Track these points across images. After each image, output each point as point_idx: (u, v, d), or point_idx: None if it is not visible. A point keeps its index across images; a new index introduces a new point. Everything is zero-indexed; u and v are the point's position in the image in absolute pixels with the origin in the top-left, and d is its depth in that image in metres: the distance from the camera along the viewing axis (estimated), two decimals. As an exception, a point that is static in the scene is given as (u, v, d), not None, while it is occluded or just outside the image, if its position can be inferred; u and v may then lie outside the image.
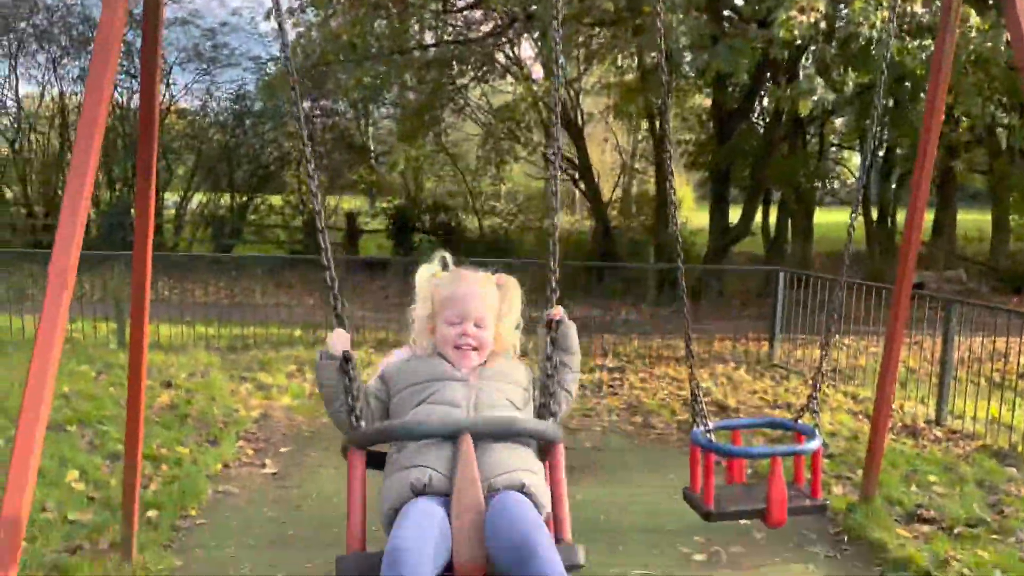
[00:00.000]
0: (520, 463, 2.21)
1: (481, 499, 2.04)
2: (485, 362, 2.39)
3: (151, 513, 4.62)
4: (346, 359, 2.31)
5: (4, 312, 9.94)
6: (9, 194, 19.85)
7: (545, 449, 2.35)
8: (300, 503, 4.99)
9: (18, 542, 2.42)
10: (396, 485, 2.15)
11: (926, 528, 4.65)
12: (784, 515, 3.40)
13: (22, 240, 18.33)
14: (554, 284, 2.61)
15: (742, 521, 4.74)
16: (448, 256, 2.55)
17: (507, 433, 2.21)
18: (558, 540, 2.18)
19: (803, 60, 11.87)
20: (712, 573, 4.20)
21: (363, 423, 2.27)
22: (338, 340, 2.35)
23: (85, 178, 2.59)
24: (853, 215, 3.86)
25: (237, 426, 6.35)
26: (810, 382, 3.78)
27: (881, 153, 18.67)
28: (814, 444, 3.51)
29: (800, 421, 3.81)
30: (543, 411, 2.41)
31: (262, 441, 6.15)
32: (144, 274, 3.94)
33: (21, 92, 19.75)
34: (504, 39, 14.54)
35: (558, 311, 2.54)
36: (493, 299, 2.43)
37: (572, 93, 17.91)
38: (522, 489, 2.15)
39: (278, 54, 20.35)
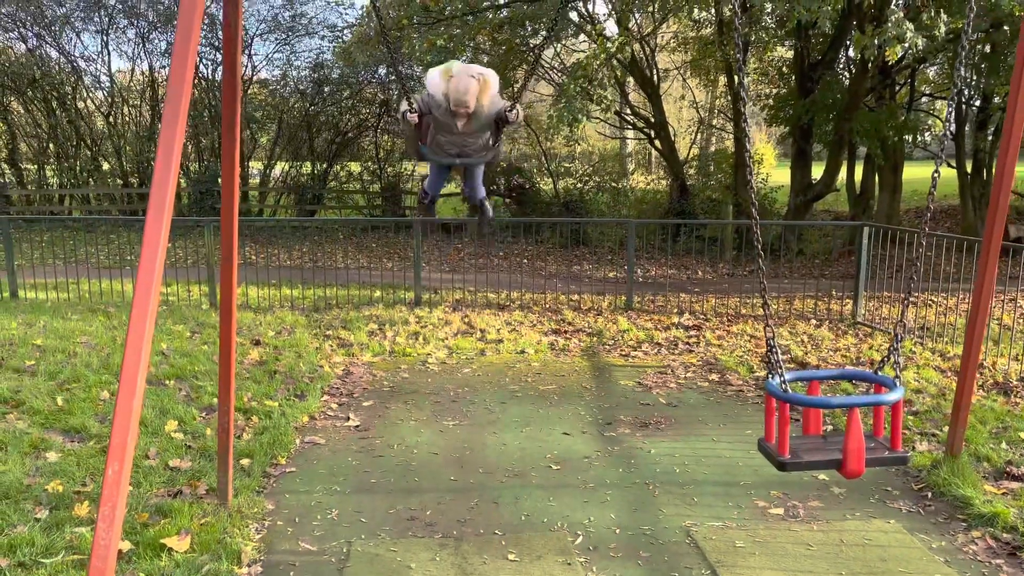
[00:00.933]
0: (478, 168, 4.83)
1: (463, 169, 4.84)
2: (473, 115, 4.32)
3: (244, 461, 4.88)
4: (416, 123, 4.42)
5: (105, 277, 10.52)
6: (106, 166, 20.81)
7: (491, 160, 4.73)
8: (382, 453, 5.19)
9: (125, 484, 2.58)
10: (431, 153, 4.54)
11: (1015, 485, 4.52)
12: (861, 466, 3.36)
13: (119, 209, 19.25)
14: (519, 102, 4.65)
15: (820, 476, 4.73)
16: (454, 65, 4.42)
17: (476, 164, 4.67)
18: (493, 159, 4.76)
19: (891, 4, 11.32)
20: (790, 526, 4.19)
21: (422, 140, 4.53)
22: (410, 118, 4.34)
23: (173, 149, 2.66)
24: (937, 166, 3.72)
25: (322, 381, 6.61)
26: (897, 332, 3.69)
27: (977, 103, 17.69)
28: (894, 395, 3.44)
29: (881, 373, 3.74)
30: (499, 128, 4.51)
31: (345, 396, 6.38)
32: (232, 236, 4.12)
33: (113, 67, 20.62)
34: (577, -4, 14.32)
35: (517, 111, 4.40)
36: (474, 93, 4.24)
37: (647, 49, 17.55)
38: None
39: (354, 21, 20.64)
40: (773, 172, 23.34)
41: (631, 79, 18.06)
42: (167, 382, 6.41)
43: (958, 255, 8.13)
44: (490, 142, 4.55)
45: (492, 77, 4.36)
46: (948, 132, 4.43)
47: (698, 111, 22.05)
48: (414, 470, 4.93)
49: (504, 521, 4.23)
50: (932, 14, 9.79)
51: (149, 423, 5.41)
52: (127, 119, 20.72)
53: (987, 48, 14.36)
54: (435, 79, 4.34)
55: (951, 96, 3.73)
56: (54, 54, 19.85)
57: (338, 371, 7.01)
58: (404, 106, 4.34)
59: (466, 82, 4.22)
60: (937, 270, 8.94)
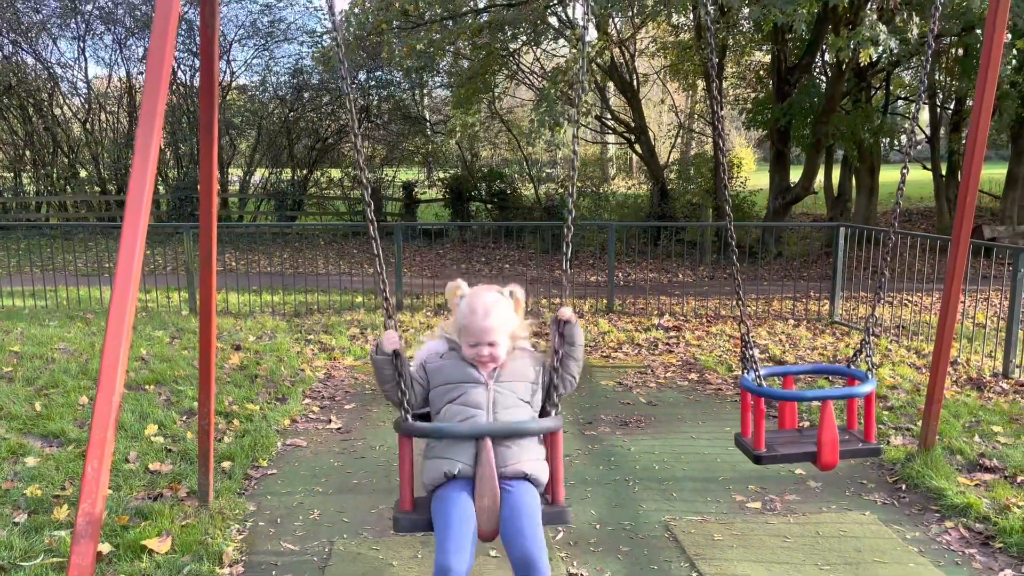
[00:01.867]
0: (525, 455, 2.79)
1: (497, 488, 2.69)
2: (503, 364, 2.86)
3: (225, 464, 4.87)
4: (396, 355, 2.80)
5: (84, 284, 10.45)
6: (83, 173, 20.64)
7: (547, 437, 2.89)
8: (364, 454, 5.20)
9: (104, 482, 2.58)
10: (433, 469, 2.82)
11: (987, 477, 4.60)
12: (835, 457, 3.42)
13: (97, 216, 19.10)
14: (565, 282, 3.10)
15: (797, 470, 4.79)
16: (463, 286, 3.02)
17: (516, 434, 2.77)
18: (554, 502, 2.84)
19: (866, 7, 11.50)
20: (767, 519, 4.24)
21: (409, 404, 2.85)
22: (389, 341, 2.81)
23: (149, 152, 2.64)
24: (905, 164, 3.80)
25: (303, 385, 6.61)
26: (868, 326, 3.78)
27: (951, 105, 17.98)
28: (866, 388, 3.51)
29: (853, 367, 3.81)
30: (551, 392, 2.89)
31: (327, 399, 6.38)
32: (210, 238, 4.11)
33: (90, 74, 20.51)
34: (556, 1, 14.42)
35: (566, 312, 2.89)
36: (504, 318, 2.83)
37: (627, 54, 17.68)
38: (525, 477, 2.78)
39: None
40: (752, 175, 23.55)
41: (611, 84, 18.18)
42: (147, 387, 6.38)
43: (932, 255, 8.25)
44: (535, 396, 2.86)
45: (520, 294, 2.99)
46: (916, 132, 4.52)
47: (677, 115, 22.23)
48: (396, 471, 4.91)
49: (485, 519, 4.25)
50: (905, 17, 9.95)
51: (129, 427, 5.38)
52: (104, 126, 20.60)
53: (960, 51, 14.60)
54: (431, 340, 3.07)
55: (918, 96, 3.81)
56: (30, 61, 19.73)
57: (319, 375, 7.01)
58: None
59: (486, 299, 2.83)
60: (912, 270, 9.07)
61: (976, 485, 4.50)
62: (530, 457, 2.79)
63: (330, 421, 5.82)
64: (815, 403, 5.36)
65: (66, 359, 7.13)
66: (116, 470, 4.68)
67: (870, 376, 3.59)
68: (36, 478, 4.61)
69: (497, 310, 2.82)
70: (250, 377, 6.74)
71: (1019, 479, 4.52)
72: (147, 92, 2.72)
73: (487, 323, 2.77)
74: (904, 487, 4.57)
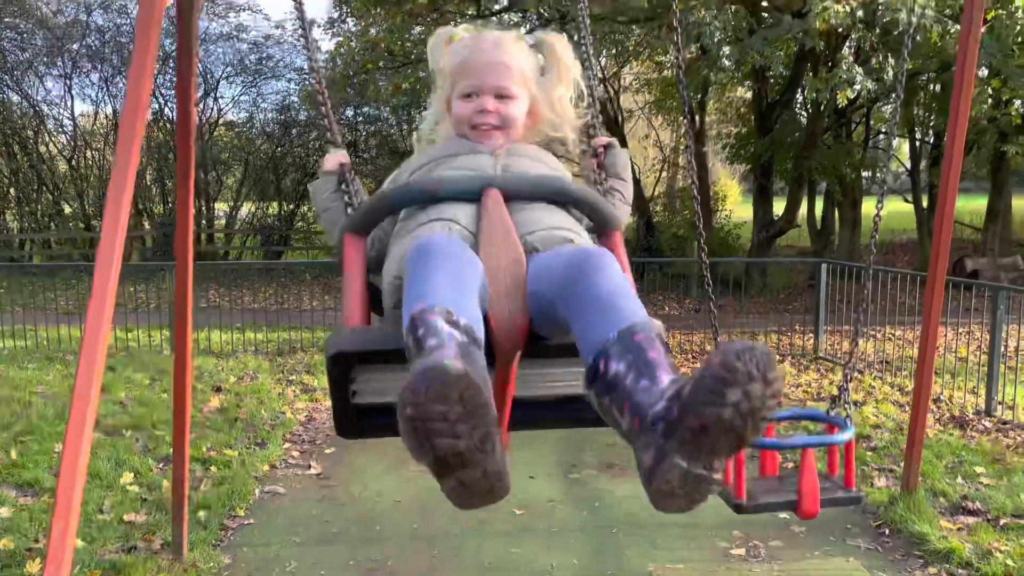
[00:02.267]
0: (565, 223, 1.74)
1: (519, 245, 1.60)
2: (520, 139, 1.91)
3: (201, 513, 4.79)
4: (343, 173, 2.05)
5: (64, 323, 10.34)
6: (68, 210, 20.55)
7: (599, 236, 1.88)
8: (344, 501, 5.12)
9: (71, 534, 2.52)
10: (405, 249, 1.61)
11: (970, 520, 4.58)
12: (816, 506, 3.39)
13: (81, 254, 18.99)
14: (597, 125, 2.19)
15: (781, 515, 4.75)
16: (460, 31, 2.01)
17: (548, 192, 1.73)
18: None
19: (843, 48, 11.70)
20: (751, 567, 4.20)
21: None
22: (333, 158, 2.08)
23: (124, 192, 2.62)
24: (880, 204, 3.82)
25: (284, 428, 6.53)
26: (846, 373, 3.78)
27: (930, 140, 18.25)
28: (845, 435, 3.50)
29: (833, 412, 3.80)
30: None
31: (308, 443, 6.31)
32: (186, 278, 4.08)
33: (76, 111, 20.50)
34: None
35: (604, 138, 2.15)
36: (524, 61, 1.86)
37: (611, 91, 17.88)
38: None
39: (321, 64, 20.82)
40: (738, 207, 23.74)
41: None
42: (124, 432, 6.28)
43: (914, 288, 8.29)
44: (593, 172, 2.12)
45: (561, 45, 1.98)
46: (891, 171, 4.56)
47: (662, 150, 22.44)
48: (376, 518, 4.87)
49: (467, 569, 4.19)
50: (880, 58, 10.12)
51: (104, 475, 5.29)
52: (90, 163, 20.55)
53: (938, 88, 14.86)
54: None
55: (889, 141, 3.86)
56: (16, 98, 19.71)
57: (300, 417, 6.94)
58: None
59: (499, 33, 1.95)
60: (895, 303, 9.12)
61: (959, 529, 4.48)
62: (573, 228, 1.76)
63: (310, 467, 5.75)
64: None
65: (43, 403, 7.03)
66: (90, 521, 4.60)
67: (848, 423, 3.57)
68: (9, 530, 4.52)
69: (515, 48, 1.87)
70: (230, 421, 6.66)
71: (1002, 522, 4.50)
72: (123, 130, 2.68)
73: (496, 55, 1.82)
74: (887, 531, 4.54)
